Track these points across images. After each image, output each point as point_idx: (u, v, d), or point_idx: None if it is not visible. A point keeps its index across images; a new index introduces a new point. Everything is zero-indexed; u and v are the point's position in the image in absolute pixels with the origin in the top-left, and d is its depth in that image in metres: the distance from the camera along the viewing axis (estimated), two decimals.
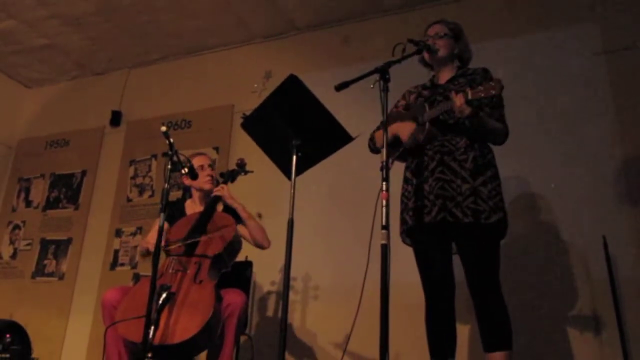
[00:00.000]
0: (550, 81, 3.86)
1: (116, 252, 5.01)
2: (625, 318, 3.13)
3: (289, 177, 2.42)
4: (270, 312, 4.19)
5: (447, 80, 2.72)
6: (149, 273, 2.46)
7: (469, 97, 2.33)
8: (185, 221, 3.12)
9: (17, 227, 5.65)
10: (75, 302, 5.02)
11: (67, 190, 5.56)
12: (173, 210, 3.29)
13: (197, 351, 2.69)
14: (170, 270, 2.81)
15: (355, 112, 3.63)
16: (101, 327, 2.76)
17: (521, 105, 3.56)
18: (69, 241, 5.30)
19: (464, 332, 3.32)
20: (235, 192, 3.23)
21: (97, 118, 5.67)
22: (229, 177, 3.27)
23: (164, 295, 2.54)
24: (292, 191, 2.38)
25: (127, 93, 5.70)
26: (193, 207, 3.35)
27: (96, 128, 5.68)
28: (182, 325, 2.50)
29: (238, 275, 3.32)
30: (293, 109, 2.44)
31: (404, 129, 2.63)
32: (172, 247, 2.94)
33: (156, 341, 2.40)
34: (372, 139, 2.86)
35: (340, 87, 2.32)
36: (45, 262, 5.32)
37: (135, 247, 4.87)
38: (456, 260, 2.56)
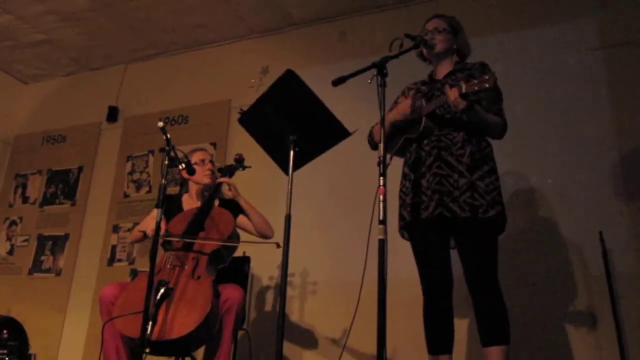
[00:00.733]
0: (547, 77, 3.86)
1: (113, 247, 5.00)
2: (621, 313, 3.15)
3: (287, 173, 2.42)
4: (268, 307, 4.19)
5: (445, 75, 2.72)
6: (147, 269, 2.46)
7: (463, 90, 2.33)
8: (182, 216, 3.12)
9: (14, 223, 5.64)
10: (73, 298, 5.01)
11: (64, 186, 5.55)
12: (170, 205, 3.29)
13: (195, 346, 2.69)
14: (168, 266, 2.81)
15: (353, 107, 3.63)
16: (99, 323, 2.77)
17: (518, 101, 3.56)
18: (66, 237, 5.30)
19: (461, 327, 3.33)
20: None
21: (94, 114, 5.66)
22: (227, 172, 3.27)
23: (161, 291, 2.54)
24: (290, 186, 2.38)
25: (124, 89, 5.69)
26: (190, 202, 3.35)
27: (93, 124, 5.67)
28: (180, 320, 2.50)
29: (236, 271, 3.32)
30: (290, 104, 2.44)
31: (401, 107, 2.63)
32: (170, 240, 2.94)
33: (154, 337, 2.40)
34: (370, 134, 2.85)
35: (337, 82, 2.31)
36: (43, 258, 5.31)
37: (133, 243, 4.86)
38: (454, 255, 2.57)
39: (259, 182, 4.01)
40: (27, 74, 6.16)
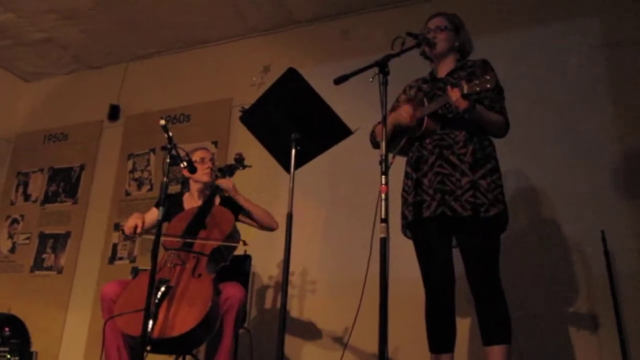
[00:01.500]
0: (549, 75, 3.86)
1: (115, 246, 5.01)
2: (623, 312, 3.14)
3: (288, 171, 2.41)
4: (268, 306, 4.19)
5: (446, 73, 2.71)
6: (148, 267, 2.46)
7: (465, 91, 2.33)
8: (183, 215, 3.12)
9: (15, 221, 5.65)
10: (74, 295, 5.02)
11: (66, 184, 5.56)
12: (170, 204, 3.29)
13: (196, 344, 2.69)
14: (168, 265, 2.81)
15: (355, 106, 3.62)
16: (100, 321, 2.77)
17: (520, 99, 3.55)
18: (67, 235, 5.30)
19: (463, 326, 3.33)
20: None
21: (95, 112, 5.66)
22: (227, 171, 3.27)
23: (162, 289, 2.55)
24: (291, 185, 2.38)
25: (125, 87, 5.69)
26: (191, 201, 3.35)
27: (94, 122, 5.67)
28: (181, 318, 2.50)
29: (237, 269, 3.32)
30: (292, 102, 2.43)
31: (402, 112, 2.62)
32: (170, 242, 2.94)
33: (155, 334, 2.40)
34: (372, 133, 2.85)
35: (339, 81, 2.31)
36: (44, 256, 5.32)
37: (134, 240, 4.87)
38: (456, 254, 2.56)
39: (260, 180, 4.01)
40: (28, 71, 6.16)
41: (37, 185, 5.71)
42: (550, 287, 3.42)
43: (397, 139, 2.67)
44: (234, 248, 3.08)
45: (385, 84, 2.27)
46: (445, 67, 2.74)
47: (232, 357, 2.77)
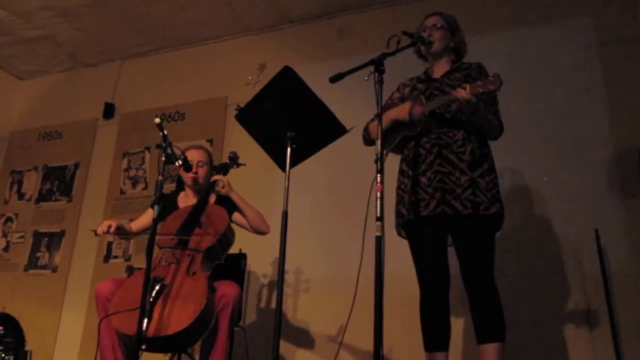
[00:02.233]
0: (543, 75, 3.87)
1: (109, 244, 5.00)
2: (616, 310, 3.16)
3: (283, 169, 2.41)
4: (264, 304, 4.20)
5: (442, 74, 2.72)
6: (143, 265, 2.46)
7: (468, 91, 2.34)
8: (177, 214, 3.12)
9: (9, 219, 5.63)
10: (69, 294, 5.01)
11: (60, 182, 5.54)
12: (165, 203, 3.29)
13: (191, 342, 2.69)
14: (163, 263, 2.81)
15: (350, 104, 3.62)
16: (95, 320, 2.77)
17: (513, 99, 3.55)
18: (62, 234, 5.28)
19: (458, 325, 3.34)
20: None
21: (90, 110, 5.64)
22: (221, 170, 3.27)
23: (157, 288, 2.55)
24: (287, 183, 2.38)
25: (120, 85, 5.68)
26: (186, 200, 3.34)
27: (89, 120, 5.65)
28: (176, 316, 2.50)
29: (232, 268, 3.32)
30: (288, 100, 2.43)
31: (401, 109, 2.63)
32: (164, 240, 2.94)
33: (150, 333, 2.40)
34: (366, 130, 2.85)
35: (334, 79, 2.32)
36: (38, 254, 5.30)
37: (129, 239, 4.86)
38: (451, 252, 2.57)
39: (255, 179, 4.01)
40: (23, 70, 6.13)
41: (32, 184, 5.69)
42: (544, 286, 3.43)
43: (393, 136, 2.68)
44: (229, 246, 3.07)
45: (380, 82, 2.27)
46: (440, 68, 2.75)
47: (227, 355, 2.77)
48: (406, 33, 2.55)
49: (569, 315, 3.34)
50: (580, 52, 3.82)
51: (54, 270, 5.17)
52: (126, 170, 5.24)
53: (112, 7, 4.95)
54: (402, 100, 2.79)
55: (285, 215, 2.33)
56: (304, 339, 3.96)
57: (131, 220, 3.44)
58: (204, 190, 3.22)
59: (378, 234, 2.06)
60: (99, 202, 5.22)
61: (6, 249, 5.49)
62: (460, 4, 4.05)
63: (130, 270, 4.72)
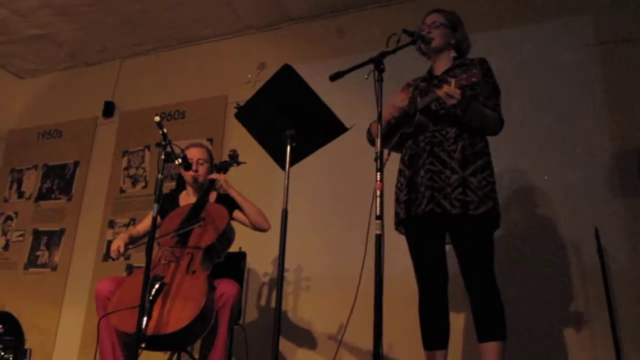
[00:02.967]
0: (542, 73, 3.86)
1: (109, 243, 4.98)
2: (617, 309, 3.15)
3: (283, 168, 2.41)
4: (263, 302, 4.20)
5: (443, 71, 2.71)
6: (142, 264, 2.46)
7: (453, 86, 2.33)
8: (177, 213, 3.12)
9: (9, 218, 5.63)
10: (68, 293, 5.01)
11: (60, 181, 5.54)
12: (166, 202, 3.29)
13: (191, 341, 2.69)
14: (163, 261, 2.81)
15: (350, 102, 3.62)
16: (94, 318, 2.77)
17: (513, 97, 3.55)
18: (61, 232, 5.28)
19: (458, 323, 3.34)
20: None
21: (90, 109, 5.64)
22: (221, 168, 3.27)
23: (156, 286, 2.55)
24: (286, 182, 2.38)
25: (119, 84, 5.68)
26: (187, 198, 3.34)
27: (89, 119, 5.65)
28: (176, 314, 2.50)
29: (232, 266, 3.32)
30: (287, 99, 2.43)
31: (398, 100, 2.61)
32: (164, 238, 2.94)
33: (149, 331, 2.40)
34: (368, 131, 2.85)
35: (334, 77, 2.31)
36: (38, 253, 5.30)
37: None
38: (451, 250, 2.57)
39: (255, 177, 4.01)
40: (22, 68, 6.13)
41: (31, 182, 5.69)
42: (544, 285, 3.42)
43: (392, 135, 2.67)
44: (229, 244, 3.07)
45: (380, 81, 2.26)
46: (442, 65, 2.74)
47: (227, 353, 2.78)
48: (406, 31, 2.54)
49: (569, 313, 3.33)
50: (580, 51, 3.81)
51: (54, 268, 5.17)
52: (126, 168, 5.24)
53: (111, 5, 4.94)
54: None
55: (285, 214, 2.32)
56: (304, 337, 3.96)
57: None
58: (204, 188, 3.22)
59: (378, 232, 2.06)
60: (98, 201, 5.22)
61: (6, 247, 5.49)
62: (459, 1, 4.05)
63: (130, 269, 4.72)
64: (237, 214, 3.23)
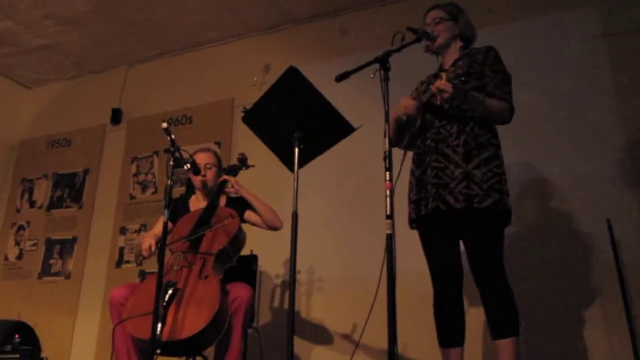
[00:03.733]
0: (550, 65, 3.84)
1: (121, 249, 5.02)
2: (631, 301, 3.12)
3: (292, 170, 2.41)
4: (276, 305, 4.20)
5: (450, 64, 2.67)
6: (155, 270, 2.46)
7: (444, 80, 2.32)
8: (188, 218, 3.13)
9: (21, 227, 5.66)
10: (83, 300, 5.04)
11: (70, 189, 5.57)
12: (177, 208, 3.30)
13: (205, 345, 2.69)
14: (175, 267, 2.82)
15: (357, 102, 3.62)
16: (109, 325, 2.77)
17: (522, 90, 3.52)
18: (74, 240, 5.31)
19: (474, 319, 3.32)
20: None
21: (98, 116, 5.68)
22: (231, 171, 3.28)
23: (170, 292, 2.55)
24: (296, 184, 2.37)
25: (126, 90, 5.70)
26: (197, 203, 3.35)
27: (97, 126, 5.68)
28: (190, 320, 2.51)
29: (244, 269, 3.32)
30: (294, 101, 2.43)
31: (407, 102, 2.60)
32: (176, 244, 2.95)
33: (164, 337, 2.41)
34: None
35: (340, 78, 2.30)
36: (51, 261, 5.33)
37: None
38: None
39: (265, 179, 4.01)
40: (29, 78, 6.18)
41: (42, 191, 5.72)
42: (557, 278, 3.40)
43: (402, 135, 2.66)
44: (241, 248, 3.08)
45: (386, 80, 2.25)
46: (450, 58, 2.70)
47: (241, 357, 2.78)
48: (410, 29, 2.54)
49: (583, 306, 3.31)
50: (588, 42, 3.79)
51: (67, 276, 5.20)
52: (135, 175, 5.26)
53: (115, 13, 4.96)
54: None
55: (295, 216, 2.32)
56: (318, 337, 3.96)
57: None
58: (213, 192, 3.22)
59: (388, 231, 2.05)
60: (109, 208, 5.25)
61: (19, 257, 5.53)
62: None
63: (142, 275, 4.74)
64: (248, 215, 3.23)
